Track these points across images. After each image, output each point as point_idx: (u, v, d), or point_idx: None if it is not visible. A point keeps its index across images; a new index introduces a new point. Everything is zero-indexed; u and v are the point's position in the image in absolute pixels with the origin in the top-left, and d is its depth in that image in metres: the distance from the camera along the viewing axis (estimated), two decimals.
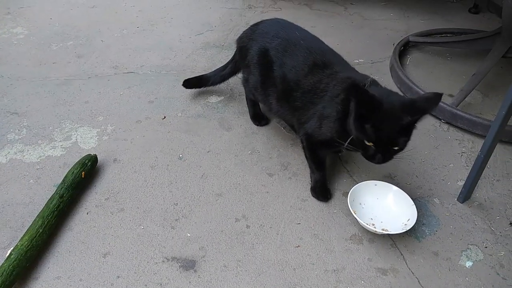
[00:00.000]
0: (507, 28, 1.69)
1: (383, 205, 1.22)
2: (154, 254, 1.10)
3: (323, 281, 1.04)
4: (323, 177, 1.27)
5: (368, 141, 1.02)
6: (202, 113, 1.61)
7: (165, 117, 1.58)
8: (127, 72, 1.86)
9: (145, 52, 2.01)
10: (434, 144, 1.50)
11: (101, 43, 2.08)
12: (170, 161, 1.39)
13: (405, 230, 1.11)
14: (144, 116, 1.58)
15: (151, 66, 1.90)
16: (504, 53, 1.74)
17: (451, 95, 1.73)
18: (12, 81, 1.76)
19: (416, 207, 1.16)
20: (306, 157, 1.30)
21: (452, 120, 1.56)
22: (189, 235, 1.15)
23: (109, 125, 1.53)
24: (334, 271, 1.07)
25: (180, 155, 1.41)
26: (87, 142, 1.46)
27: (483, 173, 1.24)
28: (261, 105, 1.56)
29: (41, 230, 1.07)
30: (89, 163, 1.29)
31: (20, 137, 1.47)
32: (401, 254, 1.12)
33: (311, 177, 1.30)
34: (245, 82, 1.47)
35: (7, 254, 1.02)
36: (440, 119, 1.60)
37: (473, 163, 1.21)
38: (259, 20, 1.45)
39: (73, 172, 1.23)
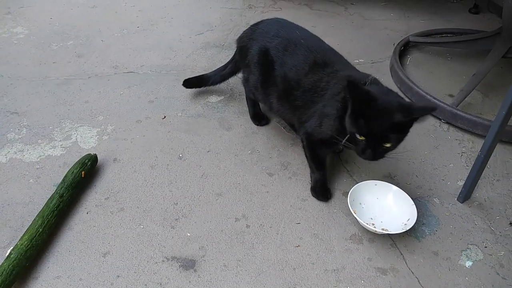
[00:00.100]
0: (507, 28, 1.69)
1: (383, 205, 1.22)
2: (154, 254, 1.10)
3: (323, 280, 1.04)
4: (323, 176, 1.27)
5: (360, 135, 1.03)
6: (202, 112, 1.61)
7: (165, 116, 1.59)
8: (127, 72, 1.86)
9: (145, 52, 2.01)
10: (434, 144, 1.50)
11: (101, 43, 2.08)
12: (170, 160, 1.39)
13: (405, 230, 1.11)
14: (144, 116, 1.58)
15: (151, 66, 1.90)
16: (504, 53, 1.74)
17: (451, 95, 1.74)
18: (12, 81, 1.76)
19: (416, 207, 1.16)
20: (306, 156, 1.30)
21: (452, 120, 1.56)
22: (189, 234, 1.15)
23: (109, 125, 1.53)
24: (334, 270, 1.07)
25: (180, 155, 1.41)
26: (87, 141, 1.46)
27: (483, 173, 1.24)
28: (261, 105, 1.56)
29: (41, 230, 1.07)
30: (89, 162, 1.29)
31: (20, 136, 1.47)
32: (401, 254, 1.12)
33: (311, 176, 1.30)
34: (245, 81, 1.47)
35: (7, 254, 1.02)
36: (440, 119, 1.60)
37: (473, 163, 1.21)
38: (259, 20, 1.45)
39: (73, 172, 1.23)
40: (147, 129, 1.52)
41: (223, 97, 1.70)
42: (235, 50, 1.53)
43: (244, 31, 1.48)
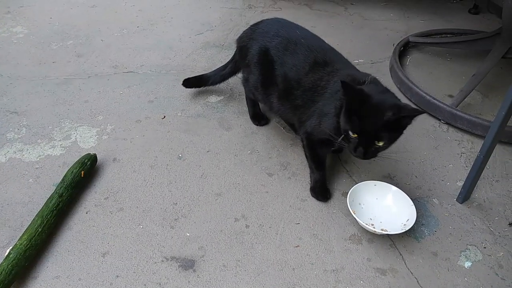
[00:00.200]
0: (507, 28, 1.69)
1: (382, 205, 1.22)
2: (153, 254, 1.10)
3: (322, 281, 1.04)
4: (323, 177, 1.27)
5: (353, 132, 1.04)
6: (202, 112, 1.61)
7: (164, 116, 1.58)
8: (127, 72, 1.86)
9: (145, 51, 2.01)
10: (433, 144, 1.50)
11: (101, 43, 2.08)
12: (170, 160, 1.39)
13: (404, 230, 1.11)
14: (144, 116, 1.58)
15: (151, 66, 1.90)
16: (504, 53, 1.74)
17: (451, 96, 1.74)
18: (12, 80, 1.76)
19: (415, 207, 1.16)
20: (306, 156, 1.30)
21: (452, 121, 1.56)
22: (188, 234, 1.15)
23: (108, 125, 1.53)
24: (333, 271, 1.07)
25: (180, 155, 1.41)
26: (87, 141, 1.46)
27: (482, 174, 1.24)
28: (261, 105, 1.56)
29: (40, 229, 1.07)
30: (89, 162, 1.29)
31: (20, 136, 1.47)
32: (400, 254, 1.12)
33: (310, 177, 1.30)
34: (245, 81, 1.47)
35: (6, 253, 1.01)
36: (439, 120, 1.60)
37: (472, 163, 1.21)
38: (259, 20, 1.45)
39: (72, 172, 1.23)
40: (146, 129, 1.52)
41: (222, 97, 1.70)
42: (235, 50, 1.53)
43: (244, 31, 1.48)
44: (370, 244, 1.14)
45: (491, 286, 1.05)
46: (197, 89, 1.70)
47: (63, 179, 1.22)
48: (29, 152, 1.40)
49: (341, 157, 1.43)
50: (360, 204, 1.21)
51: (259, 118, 1.56)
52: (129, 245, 1.11)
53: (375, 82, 1.14)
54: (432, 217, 1.23)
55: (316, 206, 1.25)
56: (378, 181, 1.25)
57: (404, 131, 1.07)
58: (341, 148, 1.36)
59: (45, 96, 1.67)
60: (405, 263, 1.10)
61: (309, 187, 1.29)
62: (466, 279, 1.06)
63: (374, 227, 1.14)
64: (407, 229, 1.11)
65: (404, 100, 1.54)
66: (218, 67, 1.65)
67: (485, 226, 1.20)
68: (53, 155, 1.39)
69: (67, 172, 1.24)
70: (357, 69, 1.26)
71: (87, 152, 1.34)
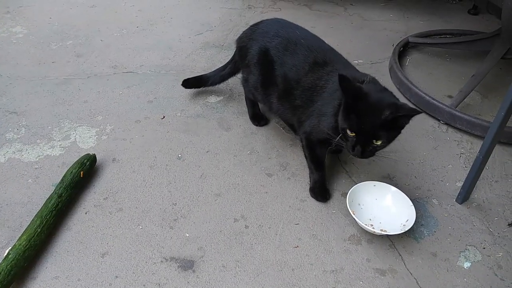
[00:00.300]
0: (506, 29, 1.69)
1: (381, 205, 1.22)
2: (153, 254, 1.09)
3: (321, 281, 1.04)
4: (322, 177, 1.27)
5: (351, 131, 1.04)
6: (201, 113, 1.61)
7: (164, 117, 1.58)
8: (127, 72, 1.85)
9: (145, 51, 2.01)
10: (433, 145, 1.50)
11: (100, 43, 2.08)
12: (169, 161, 1.39)
13: (403, 231, 1.11)
14: (143, 116, 1.58)
15: (151, 66, 1.90)
16: (503, 54, 1.74)
17: (450, 96, 1.74)
18: (11, 80, 1.76)
19: (415, 207, 1.16)
20: (305, 156, 1.30)
21: (451, 121, 1.56)
22: (187, 235, 1.15)
23: (108, 125, 1.53)
24: (333, 271, 1.07)
25: (179, 155, 1.41)
26: (86, 141, 1.45)
27: (481, 174, 1.24)
28: (260, 105, 1.56)
29: (39, 230, 1.07)
30: (88, 162, 1.29)
31: (19, 136, 1.46)
32: (400, 255, 1.12)
33: (310, 177, 1.30)
34: (245, 82, 1.47)
35: (5, 254, 1.01)
36: (439, 120, 1.60)
37: (471, 164, 1.21)
38: (259, 20, 1.45)
39: (71, 172, 1.23)
40: (146, 129, 1.52)
41: (222, 97, 1.70)
42: (234, 50, 1.53)
43: (243, 31, 1.48)
44: (370, 244, 1.14)
45: (490, 287, 1.05)
46: (196, 89, 1.70)
47: (62, 179, 1.21)
48: (28, 152, 1.40)
49: (341, 158, 1.43)
50: (359, 204, 1.21)
51: (258, 119, 1.56)
52: (129, 246, 1.11)
53: (374, 82, 1.14)
54: (432, 217, 1.23)
55: (315, 207, 1.25)
56: (377, 182, 1.25)
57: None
58: (340, 149, 1.36)
59: (45, 96, 1.67)
60: (404, 263, 1.10)
61: (308, 188, 1.29)
62: (465, 279, 1.06)
63: (373, 228, 1.14)
64: (406, 229, 1.11)
65: (403, 100, 1.54)
66: (217, 67, 1.65)
67: (484, 227, 1.20)
68: (52, 155, 1.39)
69: (66, 173, 1.24)
70: (357, 69, 1.27)
71: (87, 152, 1.34)
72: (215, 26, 2.28)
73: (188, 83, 1.66)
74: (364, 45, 2.15)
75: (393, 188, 1.23)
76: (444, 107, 1.57)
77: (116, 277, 1.04)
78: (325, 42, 1.35)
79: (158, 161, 1.38)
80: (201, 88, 1.69)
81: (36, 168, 1.34)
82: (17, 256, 1.00)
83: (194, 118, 1.58)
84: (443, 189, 1.32)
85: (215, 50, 2.04)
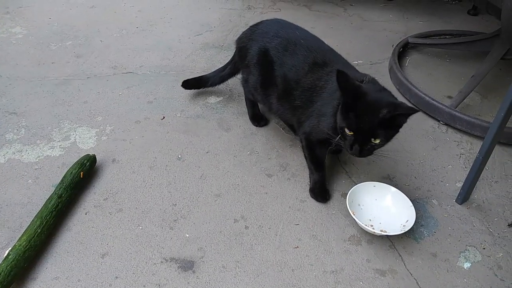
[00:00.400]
0: (506, 30, 1.69)
1: (381, 206, 1.22)
2: (153, 255, 1.09)
3: (321, 282, 1.04)
4: (322, 177, 1.27)
5: (349, 129, 1.04)
6: (201, 113, 1.61)
7: (164, 117, 1.58)
8: (126, 72, 1.85)
9: (144, 52, 2.01)
10: (432, 145, 1.50)
11: (100, 43, 2.08)
12: (169, 161, 1.39)
13: (403, 231, 1.11)
14: (143, 117, 1.58)
15: (150, 67, 1.90)
16: (503, 55, 1.74)
17: (450, 97, 1.74)
18: (11, 81, 1.76)
19: (415, 208, 1.16)
20: (305, 157, 1.30)
21: (451, 122, 1.56)
22: (187, 235, 1.15)
23: (108, 125, 1.53)
24: (333, 272, 1.07)
25: (179, 156, 1.41)
26: (86, 142, 1.45)
27: (481, 175, 1.24)
28: (260, 105, 1.56)
29: (39, 230, 1.07)
30: (88, 163, 1.29)
31: (19, 137, 1.46)
32: (400, 255, 1.12)
33: (310, 178, 1.30)
34: (245, 82, 1.47)
35: (5, 255, 1.01)
36: (438, 121, 1.60)
37: (471, 164, 1.21)
38: (258, 21, 1.45)
39: (71, 172, 1.23)
40: (146, 129, 1.52)
41: (222, 98, 1.70)
42: (234, 51, 1.53)
43: (243, 32, 1.48)
44: (370, 245, 1.14)
45: (490, 287, 1.05)
46: (196, 90, 1.70)
47: (62, 180, 1.21)
48: (28, 153, 1.40)
49: (340, 158, 1.43)
50: (359, 205, 1.21)
51: (258, 119, 1.56)
52: (128, 246, 1.11)
53: (373, 82, 1.14)
54: (432, 218, 1.23)
55: (315, 207, 1.25)
56: (377, 182, 1.25)
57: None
58: (340, 149, 1.36)
59: (44, 96, 1.67)
60: (404, 264, 1.10)
61: (308, 188, 1.29)
62: (465, 280, 1.06)
63: (373, 228, 1.14)
64: (406, 230, 1.11)
65: (403, 101, 1.54)
66: (217, 68, 1.65)
67: (484, 227, 1.20)
68: (52, 156, 1.39)
69: (66, 173, 1.24)
70: (357, 70, 1.27)
71: (86, 153, 1.34)
72: (214, 27, 2.28)
73: (188, 84, 1.66)
74: (363, 46, 2.15)
75: (393, 189, 1.23)
76: (444, 107, 1.57)
77: (116, 277, 1.04)
78: (324, 43, 1.35)
79: (158, 161, 1.38)
80: (201, 89, 1.69)
81: (36, 169, 1.34)
82: (17, 256, 1.00)
83: (194, 119, 1.58)
84: (443, 190, 1.32)
85: (214, 51, 2.04)
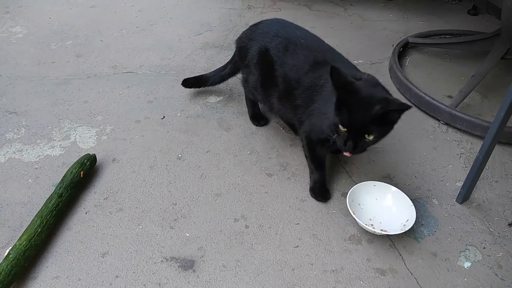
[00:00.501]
0: (506, 29, 1.69)
1: (382, 205, 1.22)
2: (153, 254, 1.09)
3: (321, 281, 1.04)
4: (322, 177, 1.27)
5: (343, 125, 1.04)
6: (201, 113, 1.61)
7: (164, 117, 1.58)
8: (126, 72, 1.85)
9: (144, 52, 2.01)
10: (433, 145, 1.50)
11: (100, 43, 2.08)
12: (169, 161, 1.39)
13: (404, 231, 1.11)
14: (143, 116, 1.58)
15: (150, 66, 1.90)
16: (503, 54, 1.74)
17: (450, 96, 1.74)
18: (11, 81, 1.76)
19: (415, 207, 1.16)
20: (305, 156, 1.30)
21: (451, 121, 1.56)
22: (188, 235, 1.15)
23: (108, 125, 1.53)
24: (333, 271, 1.07)
25: (179, 155, 1.41)
26: (86, 141, 1.45)
27: (481, 174, 1.24)
28: (260, 105, 1.56)
29: (39, 230, 1.07)
30: (88, 162, 1.29)
31: (19, 136, 1.46)
32: (400, 255, 1.12)
33: (310, 177, 1.30)
34: (245, 82, 1.47)
35: (5, 254, 1.01)
36: (439, 120, 1.60)
37: (471, 164, 1.21)
38: (258, 21, 1.45)
39: (72, 172, 1.23)
40: (146, 129, 1.52)
41: (222, 97, 1.70)
42: (234, 50, 1.53)
43: (243, 32, 1.48)
44: (370, 244, 1.14)
45: (491, 287, 1.05)
46: (196, 89, 1.70)
47: (62, 180, 1.21)
48: (29, 152, 1.40)
49: (341, 158, 1.43)
50: (359, 204, 1.21)
51: (258, 119, 1.56)
52: (129, 246, 1.11)
53: (372, 79, 1.14)
54: (432, 217, 1.23)
55: (315, 207, 1.25)
56: (377, 182, 1.25)
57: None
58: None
59: (44, 96, 1.67)
60: (404, 263, 1.10)
61: (308, 188, 1.29)
62: (465, 279, 1.07)
63: (373, 228, 1.14)
64: (406, 229, 1.11)
65: (403, 101, 1.54)
66: (217, 67, 1.65)
67: (484, 227, 1.20)
68: (52, 155, 1.39)
69: (66, 173, 1.24)
70: (357, 69, 1.27)
71: (87, 152, 1.34)
72: (214, 26, 2.28)
73: (188, 83, 1.66)
74: (363, 45, 2.15)
75: (393, 188, 1.23)
76: (444, 107, 1.57)
77: (117, 276, 1.04)
78: (325, 42, 1.35)
79: (158, 161, 1.38)
80: (201, 88, 1.69)
81: (36, 168, 1.34)
82: (17, 256, 1.00)
83: (194, 118, 1.58)
84: (443, 189, 1.32)
85: (214, 50, 2.04)
